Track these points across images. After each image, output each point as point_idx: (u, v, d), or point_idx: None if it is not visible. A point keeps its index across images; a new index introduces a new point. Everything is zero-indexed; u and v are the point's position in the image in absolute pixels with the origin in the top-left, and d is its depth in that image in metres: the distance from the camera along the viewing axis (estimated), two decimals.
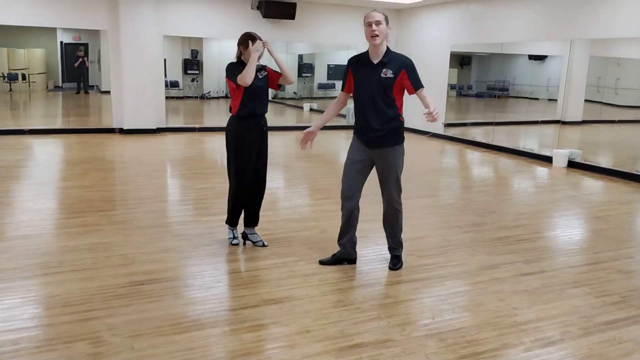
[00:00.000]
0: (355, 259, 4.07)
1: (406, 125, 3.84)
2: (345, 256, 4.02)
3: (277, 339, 2.93)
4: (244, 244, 4.41)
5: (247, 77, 3.93)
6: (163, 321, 3.07)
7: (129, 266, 3.89)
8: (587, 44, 8.67)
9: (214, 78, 15.21)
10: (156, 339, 2.88)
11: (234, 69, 4.08)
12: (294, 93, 15.38)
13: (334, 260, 4.03)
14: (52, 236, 4.56)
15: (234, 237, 4.42)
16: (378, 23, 3.57)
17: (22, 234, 4.58)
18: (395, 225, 3.95)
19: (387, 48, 3.69)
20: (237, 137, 4.11)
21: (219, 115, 15.18)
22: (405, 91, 3.72)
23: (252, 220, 4.40)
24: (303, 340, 2.90)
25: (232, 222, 4.40)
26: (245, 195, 4.26)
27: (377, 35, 3.57)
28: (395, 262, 4.00)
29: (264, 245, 4.36)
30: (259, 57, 4.06)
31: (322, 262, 4.03)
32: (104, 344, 2.81)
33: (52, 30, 14.18)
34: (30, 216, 5.10)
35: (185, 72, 15.29)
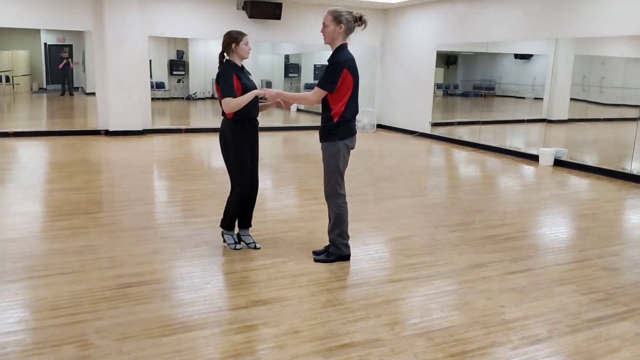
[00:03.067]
0: (348, 255, 4.14)
1: (393, 124, 3.89)
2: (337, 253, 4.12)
3: (267, 339, 2.92)
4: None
5: (236, 107, 3.94)
6: (151, 323, 3.05)
7: (116, 269, 3.86)
8: (572, 43, 8.76)
9: (200, 79, 15.16)
10: (144, 341, 2.86)
11: (229, 81, 3.97)
12: None
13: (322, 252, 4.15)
14: (38, 239, 4.51)
15: (236, 242, 4.34)
16: (324, 26, 3.82)
17: (8, 237, 4.53)
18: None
19: (338, 47, 3.81)
20: (236, 138, 4.09)
21: (206, 116, 15.12)
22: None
23: (248, 222, 4.39)
24: (292, 341, 2.90)
25: (231, 225, 4.32)
26: (247, 196, 4.26)
27: (324, 38, 3.85)
28: (325, 255, 4.09)
29: (256, 248, 4.35)
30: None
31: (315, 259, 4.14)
32: (92, 347, 2.79)
33: (36, 32, 14.04)
34: (16, 219, 5.04)
35: (171, 73, 15.22)
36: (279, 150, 9.86)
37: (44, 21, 10.23)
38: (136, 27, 10.42)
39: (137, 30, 10.45)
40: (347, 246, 4.08)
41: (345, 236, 4.05)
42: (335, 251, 4.06)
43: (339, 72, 3.71)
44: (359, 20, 3.85)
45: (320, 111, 3.91)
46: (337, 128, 3.83)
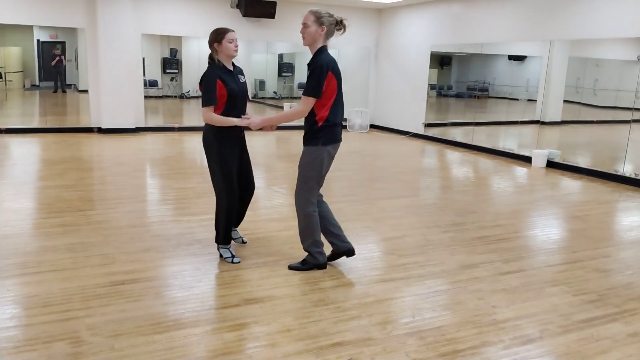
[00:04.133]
0: (352, 250, 4.02)
1: (387, 124, 3.86)
2: (340, 251, 4.03)
3: (258, 338, 2.92)
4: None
5: (213, 123, 3.75)
6: (143, 321, 3.04)
7: (108, 266, 3.84)
8: (566, 44, 8.81)
9: (193, 77, 15.09)
10: (136, 338, 2.85)
11: (211, 88, 3.72)
12: (274, 93, 15.35)
13: (333, 257, 4.06)
14: (30, 236, 4.48)
15: (233, 255, 4.05)
16: (305, 26, 3.63)
17: (0, 234, 4.50)
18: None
19: (319, 50, 3.65)
20: (220, 150, 3.84)
21: (199, 115, 15.04)
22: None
23: (238, 221, 4.35)
24: (284, 339, 2.90)
25: (227, 240, 4.07)
26: (236, 206, 4.05)
27: (304, 39, 3.67)
28: (300, 262, 3.97)
29: (243, 242, 4.33)
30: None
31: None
32: (84, 344, 2.78)
33: (29, 28, 13.95)
34: (8, 216, 5.01)
35: (164, 71, 15.15)
36: (271, 149, 9.85)
37: (37, 18, 10.16)
38: (129, 24, 10.38)
39: (130, 28, 10.41)
40: (322, 254, 3.91)
41: (319, 244, 3.88)
42: (311, 259, 3.91)
43: (323, 76, 3.55)
44: (339, 24, 3.69)
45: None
46: (321, 132, 3.66)
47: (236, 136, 3.96)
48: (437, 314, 3.29)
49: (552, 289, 3.74)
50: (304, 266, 3.94)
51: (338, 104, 3.70)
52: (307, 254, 3.95)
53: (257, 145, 9.77)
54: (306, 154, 3.75)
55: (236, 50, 3.85)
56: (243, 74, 4.05)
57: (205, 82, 3.77)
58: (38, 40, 14.85)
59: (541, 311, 3.37)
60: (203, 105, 3.75)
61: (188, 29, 11.22)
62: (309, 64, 3.63)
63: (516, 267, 4.13)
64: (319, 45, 3.66)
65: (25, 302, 3.24)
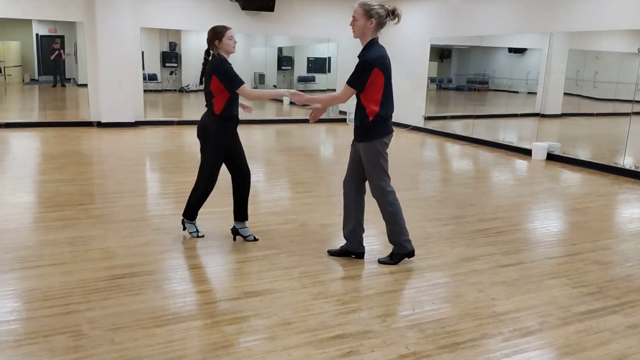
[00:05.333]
0: (362, 253, 4.03)
1: None
2: (351, 249, 4.02)
3: (258, 331, 2.93)
4: (234, 239, 4.36)
5: (257, 98, 4.07)
6: (143, 314, 3.05)
7: (109, 260, 3.85)
8: (566, 37, 8.78)
9: (193, 71, 15.04)
10: (136, 331, 2.85)
11: (233, 70, 3.94)
12: (274, 86, 15.33)
13: (341, 252, 4.05)
14: (30, 230, 4.49)
15: (198, 230, 4.37)
16: (354, 19, 3.62)
17: (0, 228, 4.50)
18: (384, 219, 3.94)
19: (369, 43, 3.65)
20: (219, 136, 4.08)
21: (198, 108, 15.01)
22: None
23: (243, 214, 4.35)
24: (284, 332, 2.90)
25: (193, 215, 4.37)
26: (211, 190, 4.27)
27: (353, 32, 3.69)
28: (387, 258, 3.99)
29: (255, 240, 4.33)
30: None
31: (330, 253, 4.08)
32: (84, 337, 2.78)
33: (28, 23, 13.91)
34: (8, 210, 5.01)
35: (163, 65, 15.12)
36: (271, 143, 9.84)
37: (36, 12, 10.13)
38: (128, 18, 10.34)
39: (129, 22, 10.37)
40: (409, 241, 3.91)
41: (405, 232, 3.87)
42: (399, 250, 3.91)
43: (368, 72, 3.55)
44: (392, 15, 3.65)
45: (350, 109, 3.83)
46: (373, 127, 3.68)
47: (233, 124, 4.15)
48: (436, 306, 3.29)
49: (551, 281, 3.75)
50: (392, 260, 3.94)
51: (387, 97, 3.71)
52: (393, 246, 3.94)
53: (257, 139, 9.76)
54: (365, 151, 3.76)
55: (235, 47, 4.03)
56: None
57: (224, 67, 3.93)
58: (37, 35, 14.81)
59: (541, 303, 3.37)
60: (236, 88, 3.92)
61: (187, 22, 11.19)
62: (358, 56, 3.65)
63: (516, 260, 4.14)
64: (369, 37, 3.64)
65: (25, 296, 3.25)
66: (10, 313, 3.02)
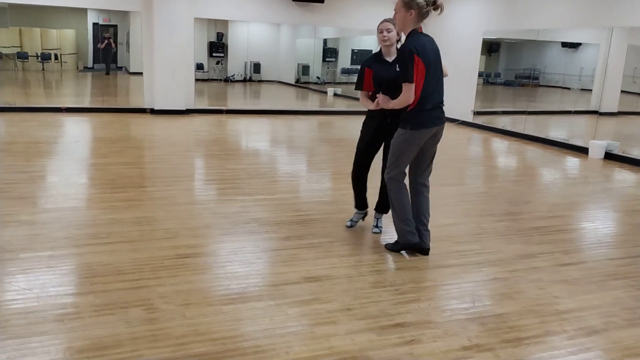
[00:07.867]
0: (426, 249, 3.94)
1: None
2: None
3: (320, 314, 2.97)
4: (363, 219, 4.53)
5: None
6: (209, 292, 3.15)
7: (173, 240, 3.98)
8: (625, 32, 8.47)
9: (239, 61, 15.24)
10: (205, 308, 2.96)
11: (359, 73, 4.16)
12: (318, 78, 15.35)
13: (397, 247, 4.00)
14: (98, 209, 4.67)
15: (352, 220, 4.49)
16: (395, 12, 3.70)
17: (71, 205, 4.72)
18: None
19: (409, 34, 3.70)
20: (362, 128, 4.28)
21: (244, 98, 15.23)
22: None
23: (379, 207, 4.42)
24: (345, 317, 2.94)
25: (356, 204, 4.46)
26: (354, 176, 4.38)
27: (396, 25, 3.81)
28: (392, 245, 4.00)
29: (373, 232, 4.39)
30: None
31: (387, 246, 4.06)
32: (158, 311, 2.90)
33: (83, 11, 14.33)
34: (76, 189, 5.26)
35: (210, 54, 15.34)
36: (314, 134, 9.88)
37: (95, 0, 10.43)
38: (183, 8, 10.53)
39: (184, 12, 10.55)
40: (413, 233, 3.85)
41: (409, 223, 3.84)
42: (402, 240, 3.91)
43: (410, 60, 3.53)
44: (434, 5, 3.63)
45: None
46: (410, 117, 3.67)
47: (375, 118, 4.14)
48: (496, 301, 3.28)
49: (614, 282, 3.66)
50: (395, 246, 3.97)
51: (428, 88, 3.63)
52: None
53: (300, 129, 9.83)
54: (396, 136, 3.79)
55: (384, 40, 4.00)
56: (393, 63, 4.00)
57: (360, 69, 4.19)
58: (93, 23, 15.25)
59: (604, 304, 3.31)
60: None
61: (239, 13, 11.31)
62: (398, 48, 3.71)
63: (576, 259, 4.06)
64: (410, 29, 3.66)
65: (99, 270, 3.40)
66: (88, 285, 3.17)
